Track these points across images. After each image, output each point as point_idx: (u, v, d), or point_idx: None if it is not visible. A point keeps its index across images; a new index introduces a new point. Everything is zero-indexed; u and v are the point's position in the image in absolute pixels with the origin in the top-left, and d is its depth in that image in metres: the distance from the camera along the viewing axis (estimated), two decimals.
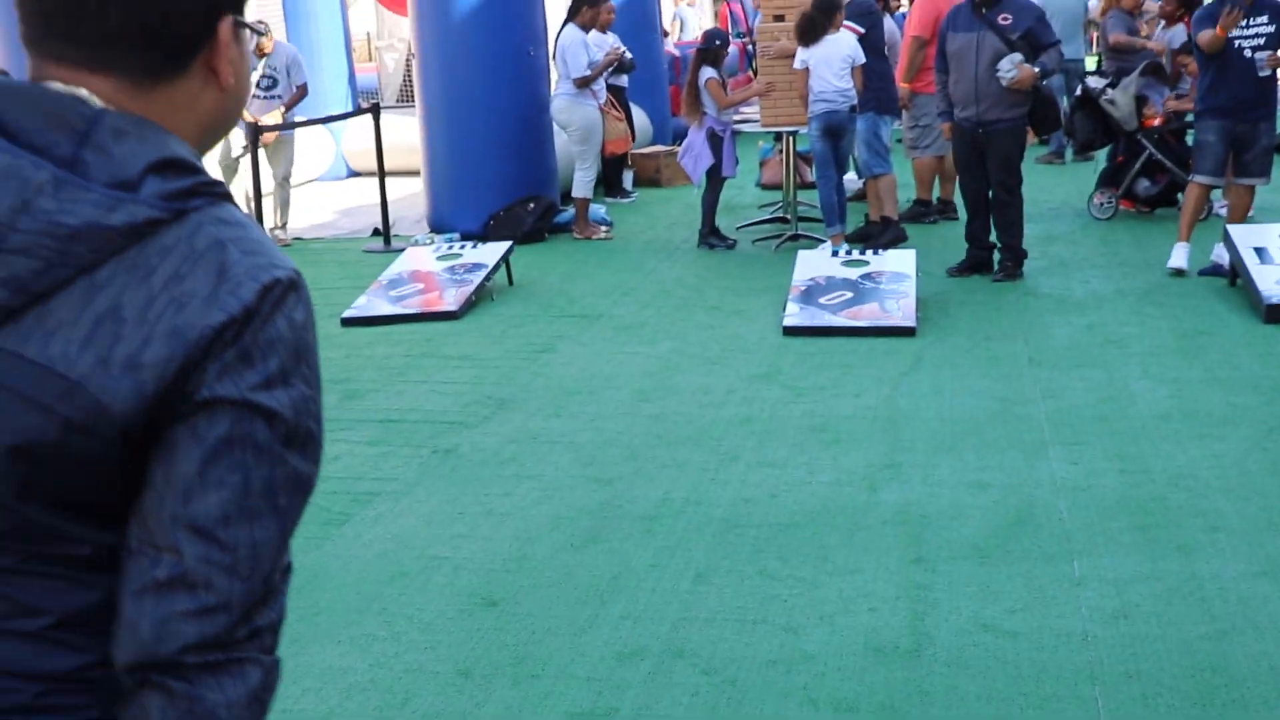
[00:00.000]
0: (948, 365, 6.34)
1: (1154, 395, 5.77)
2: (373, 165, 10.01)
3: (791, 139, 9.86)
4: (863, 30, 8.90)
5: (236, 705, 1.18)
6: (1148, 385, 5.91)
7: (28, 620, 1.22)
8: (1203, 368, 6.13)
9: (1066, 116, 10.22)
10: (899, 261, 7.73)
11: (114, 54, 1.23)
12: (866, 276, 7.54)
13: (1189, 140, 9.24)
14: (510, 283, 8.46)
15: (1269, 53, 7.72)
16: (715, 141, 9.14)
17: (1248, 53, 7.75)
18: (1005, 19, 7.84)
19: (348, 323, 7.63)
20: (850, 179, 9.93)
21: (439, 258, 8.49)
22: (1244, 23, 7.76)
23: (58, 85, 1.21)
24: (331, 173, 13.63)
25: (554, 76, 10.36)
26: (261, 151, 9.61)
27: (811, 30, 8.63)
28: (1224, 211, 8.85)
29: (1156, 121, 9.75)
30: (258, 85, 10.02)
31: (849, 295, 7.30)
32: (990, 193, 8.05)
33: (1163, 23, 11.00)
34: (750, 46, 14.34)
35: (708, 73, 9.10)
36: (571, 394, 6.14)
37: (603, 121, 10.22)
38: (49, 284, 1.16)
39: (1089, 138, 10.15)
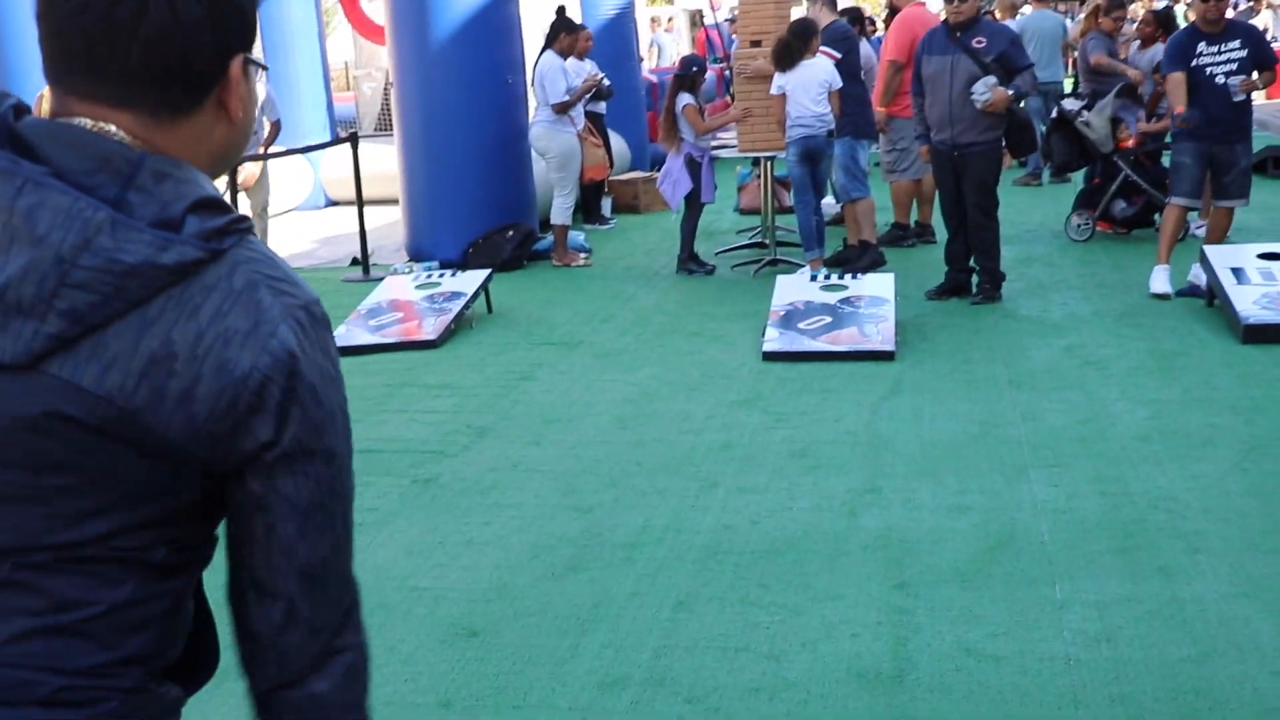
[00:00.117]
0: (927, 389, 6.35)
1: (1133, 416, 5.78)
2: (351, 194, 9.99)
3: (769, 164, 9.90)
4: (839, 55, 8.93)
5: (339, 687, 1.41)
6: (1127, 406, 5.93)
7: (61, 615, 1.30)
8: (1181, 389, 6.15)
9: (1043, 138, 10.30)
10: (878, 285, 7.75)
11: (136, 91, 1.31)
12: (845, 301, 7.55)
13: (1165, 162, 9.31)
14: (489, 311, 8.45)
15: (1242, 77, 7.76)
16: (694, 167, 9.16)
17: (1220, 79, 7.78)
18: (979, 42, 7.89)
19: None
20: (828, 203, 9.95)
21: (418, 286, 8.47)
22: (1216, 48, 7.80)
23: (85, 121, 1.30)
24: (310, 202, 13.61)
25: (532, 104, 10.38)
26: None
27: (788, 55, 8.67)
28: (1201, 232, 8.89)
29: (1131, 143, 9.82)
30: None
31: (828, 320, 7.30)
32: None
33: (1138, 43, 11.09)
34: (728, 72, 14.39)
35: (685, 99, 9.12)
36: (551, 422, 6.13)
37: (581, 148, 10.24)
38: (104, 316, 1.25)
39: (1065, 159, 10.22)
